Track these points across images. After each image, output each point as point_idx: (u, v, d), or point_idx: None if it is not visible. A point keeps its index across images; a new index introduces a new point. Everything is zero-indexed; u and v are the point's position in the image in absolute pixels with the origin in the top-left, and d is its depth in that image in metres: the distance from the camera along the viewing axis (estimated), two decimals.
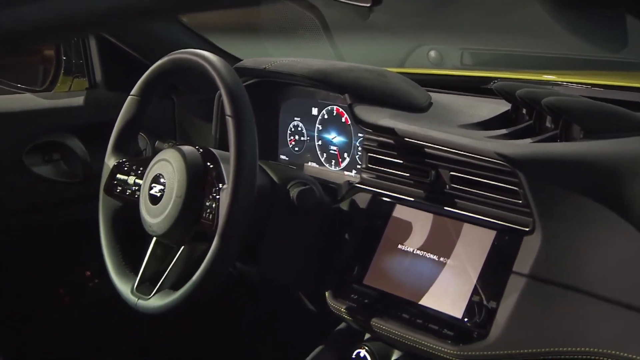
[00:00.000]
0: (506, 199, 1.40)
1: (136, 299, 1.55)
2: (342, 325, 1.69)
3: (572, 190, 1.31)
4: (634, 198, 1.27)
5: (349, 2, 1.73)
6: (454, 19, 2.10)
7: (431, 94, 1.71)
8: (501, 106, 1.61)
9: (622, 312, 1.26)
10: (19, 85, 2.07)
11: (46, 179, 1.98)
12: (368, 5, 1.69)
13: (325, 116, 1.87)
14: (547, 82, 1.70)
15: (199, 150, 1.57)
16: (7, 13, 0.67)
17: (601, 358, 1.27)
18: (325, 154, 1.88)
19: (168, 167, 1.55)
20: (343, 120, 1.83)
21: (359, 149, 1.70)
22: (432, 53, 2.12)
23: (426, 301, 1.46)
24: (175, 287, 1.51)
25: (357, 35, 2.27)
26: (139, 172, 1.65)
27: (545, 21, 1.87)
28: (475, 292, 1.40)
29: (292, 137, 1.95)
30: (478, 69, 2.11)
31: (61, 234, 2.02)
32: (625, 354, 1.25)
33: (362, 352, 1.60)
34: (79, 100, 2.07)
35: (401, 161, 1.57)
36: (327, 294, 1.60)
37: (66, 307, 2.08)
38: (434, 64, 2.12)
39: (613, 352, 1.26)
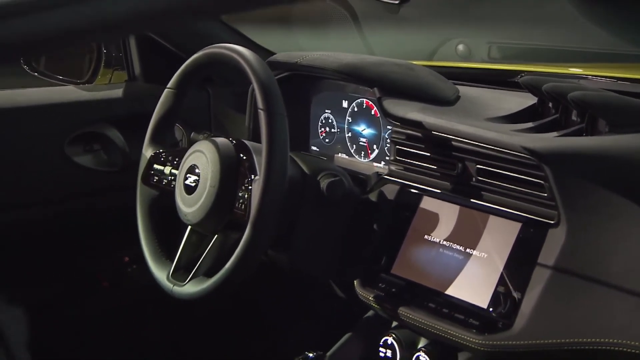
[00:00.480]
0: (532, 191, 1.38)
1: (172, 286, 1.56)
2: (370, 313, 1.68)
3: (598, 184, 1.29)
4: None
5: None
6: (482, 13, 2.08)
7: (459, 87, 1.69)
8: (528, 99, 1.58)
9: None
10: (61, 77, 2.07)
11: (86, 168, 1.99)
12: (397, 2, 1.68)
13: (355, 109, 1.85)
14: (574, 75, 1.67)
15: (232, 142, 1.57)
16: (62, 11, 0.65)
17: (626, 349, 1.25)
18: (354, 146, 1.86)
19: (202, 158, 1.56)
20: (372, 112, 1.81)
21: (388, 141, 1.69)
22: (460, 47, 2.10)
23: (452, 291, 1.45)
24: (209, 274, 1.51)
25: (387, 29, 2.25)
26: (175, 162, 1.66)
27: (573, 15, 1.83)
28: (500, 282, 1.38)
29: (322, 129, 1.93)
30: (505, 62, 2.08)
31: (100, 221, 2.03)
32: None
33: (390, 340, 1.59)
34: (118, 92, 2.07)
35: (429, 154, 1.55)
36: (355, 282, 1.58)
37: (105, 291, 2.09)
38: (462, 57, 2.10)
39: (637, 343, 1.23)
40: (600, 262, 1.28)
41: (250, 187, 1.48)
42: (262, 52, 2.00)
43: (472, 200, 1.48)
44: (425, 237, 1.53)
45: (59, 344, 1.96)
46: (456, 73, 1.79)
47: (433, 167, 1.55)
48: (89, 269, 2.08)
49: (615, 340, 1.25)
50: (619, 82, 1.58)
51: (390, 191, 1.62)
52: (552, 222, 1.34)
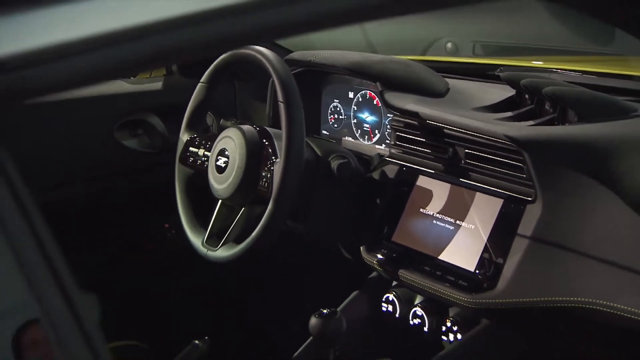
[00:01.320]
0: (512, 173, 1.37)
1: (206, 250, 1.56)
2: (374, 274, 1.67)
3: (568, 166, 1.28)
4: (621, 173, 1.24)
5: None
6: (468, 15, 2.05)
7: (448, 79, 1.66)
8: (507, 91, 1.56)
9: (610, 269, 1.23)
10: None
11: (132, 150, 1.98)
12: None
13: (360, 99, 1.83)
14: (544, 69, 1.64)
15: (256, 129, 1.56)
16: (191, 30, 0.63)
17: (590, 306, 1.24)
18: (359, 130, 1.84)
19: (231, 143, 1.55)
20: (375, 102, 1.79)
21: (388, 127, 1.67)
22: (449, 44, 2.07)
23: (444, 256, 1.44)
24: (237, 241, 1.51)
25: (387, 28, 2.21)
26: (208, 145, 1.65)
27: (545, 17, 1.80)
28: (485, 250, 1.37)
29: (332, 116, 1.91)
30: (487, 58, 2.05)
31: (144, 194, 2.03)
32: (612, 304, 1.22)
33: (391, 297, 1.59)
34: (158, 85, 2.05)
35: (424, 139, 1.53)
36: (361, 248, 1.58)
37: (151, 253, 2.09)
38: (450, 53, 2.07)
39: (601, 301, 1.23)
40: (571, 233, 1.27)
41: (272, 168, 1.47)
42: (281, 50, 1.97)
43: (461, 179, 1.47)
44: (421, 210, 1.51)
45: (112, 300, 1.96)
46: (445, 67, 1.76)
47: (427, 150, 1.53)
48: (135, 235, 2.07)
49: (582, 299, 1.25)
50: (584, 75, 1.56)
51: (390, 170, 1.61)
52: (529, 199, 1.33)
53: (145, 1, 0.60)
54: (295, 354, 1.57)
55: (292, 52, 1.86)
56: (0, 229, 0.53)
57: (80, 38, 0.55)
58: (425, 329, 1.52)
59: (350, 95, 1.85)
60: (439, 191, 1.50)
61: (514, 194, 1.36)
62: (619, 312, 1.20)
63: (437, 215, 1.48)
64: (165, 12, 0.58)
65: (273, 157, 1.49)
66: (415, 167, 1.56)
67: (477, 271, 1.37)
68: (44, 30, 0.56)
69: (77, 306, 0.56)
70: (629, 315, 1.19)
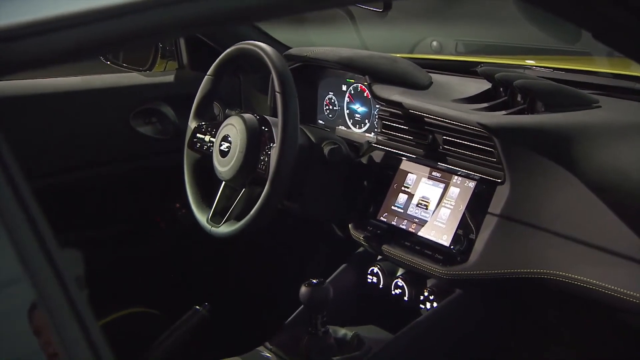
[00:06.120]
0: (484, 157, 1.38)
1: (210, 227, 1.57)
2: (361, 249, 1.68)
3: (534, 151, 1.29)
4: (580, 157, 1.25)
5: (367, 8, 1.70)
6: (451, 17, 2.06)
7: (432, 74, 1.67)
8: (484, 85, 1.57)
9: (566, 242, 1.25)
10: (127, 66, 2.06)
11: (147, 136, 1.99)
12: (381, 10, 1.66)
13: (352, 91, 1.84)
14: (519, 66, 1.65)
15: (256, 117, 1.57)
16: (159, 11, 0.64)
17: (550, 277, 1.26)
18: (351, 120, 1.85)
19: (233, 130, 1.56)
20: (365, 94, 1.80)
21: (376, 117, 1.68)
22: (434, 43, 2.08)
23: (422, 232, 1.45)
24: (238, 218, 1.52)
25: (377, 28, 2.22)
26: (213, 132, 1.65)
27: (520, 19, 1.81)
28: (459, 226, 1.39)
29: (327, 107, 1.92)
30: (468, 55, 2.06)
31: (157, 176, 2.03)
32: (568, 274, 1.24)
33: (375, 269, 1.60)
34: (170, 77, 2.06)
35: (407, 127, 1.54)
36: (350, 226, 1.59)
37: (162, 230, 2.10)
38: (435, 51, 2.08)
39: (559, 272, 1.25)
40: (534, 211, 1.28)
41: (269, 152, 1.48)
42: (280, 46, 1.98)
43: (439, 163, 1.48)
44: (403, 191, 1.53)
45: (128, 270, 1.98)
46: (430, 64, 1.77)
47: (410, 137, 1.54)
48: (149, 213, 2.08)
49: (543, 270, 1.26)
50: (554, 71, 1.57)
51: (377, 155, 1.62)
52: (499, 180, 1.34)
53: None
54: (288, 320, 1.59)
55: (291, 48, 1.87)
56: None
57: (63, 14, 0.56)
58: (406, 298, 1.53)
59: (344, 88, 1.86)
60: (420, 174, 1.51)
61: (485, 176, 1.38)
62: (574, 282, 1.22)
63: (417, 195, 1.49)
64: None
65: (271, 143, 1.50)
66: (399, 152, 1.57)
67: (451, 246, 1.38)
68: (29, 7, 0.57)
69: (58, 263, 0.54)
70: (582, 284, 1.20)
